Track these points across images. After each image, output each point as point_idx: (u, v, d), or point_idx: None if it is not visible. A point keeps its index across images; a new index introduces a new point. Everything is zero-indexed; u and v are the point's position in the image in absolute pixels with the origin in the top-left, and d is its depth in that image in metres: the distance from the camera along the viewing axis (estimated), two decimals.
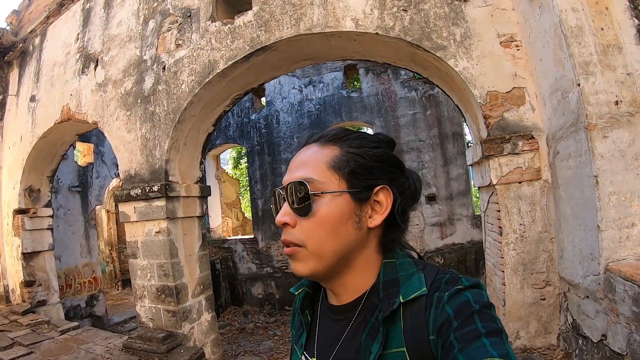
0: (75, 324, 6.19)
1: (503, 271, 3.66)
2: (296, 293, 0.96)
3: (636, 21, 2.69)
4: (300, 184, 0.76)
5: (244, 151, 16.69)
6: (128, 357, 4.82)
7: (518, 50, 3.68)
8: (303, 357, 0.87)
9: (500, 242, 3.69)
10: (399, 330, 0.70)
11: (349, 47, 4.55)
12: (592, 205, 2.75)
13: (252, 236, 11.80)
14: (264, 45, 4.38)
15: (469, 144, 12.03)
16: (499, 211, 3.71)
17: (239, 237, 13.05)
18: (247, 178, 13.06)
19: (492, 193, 3.86)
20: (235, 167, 19.27)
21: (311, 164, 0.78)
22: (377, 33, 4.01)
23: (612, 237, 2.65)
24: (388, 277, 0.77)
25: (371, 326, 0.74)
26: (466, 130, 11.77)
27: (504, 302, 3.62)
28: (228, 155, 19.65)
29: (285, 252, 0.79)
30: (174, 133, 5.05)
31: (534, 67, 3.56)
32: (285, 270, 11.05)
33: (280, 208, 0.81)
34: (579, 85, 2.75)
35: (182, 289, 5.13)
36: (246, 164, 16.57)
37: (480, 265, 9.82)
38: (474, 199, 11.12)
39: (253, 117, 11.92)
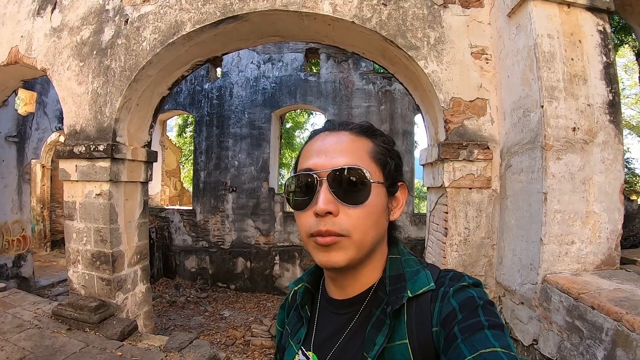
0: (2, 285, 5.62)
1: None
2: (295, 288, 0.92)
3: (604, 58, 2.80)
4: (356, 171, 0.71)
5: (191, 120, 15.99)
6: (57, 325, 4.47)
7: (487, 63, 3.74)
8: (300, 352, 0.84)
9: (444, 243, 3.79)
10: (403, 323, 0.71)
11: (321, 30, 4.39)
12: (538, 219, 2.87)
13: (191, 208, 11.36)
14: (236, 14, 4.08)
15: (416, 144, 12.34)
16: (447, 213, 3.80)
17: (177, 207, 12.53)
18: (192, 148, 12.55)
19: (442, 195, 3.94)
20: (180, 135, 18.38)
21: (354, 152, 0.74)
22: (353, 22, 3.90)
23: (552, 251, 2.79)
24: (394, 272, 0.77)
25: (376, 319, 0.73)
26: (416, 130, 12.05)
27: None
28: (174, 122, 18.72)
29: (323, 243, 0.70)
30: (128, 92, 4.64)
31: (499, 82, 3.63)
32: (221, 246, 10.79)
33: (310, 195, 0.73)
34: (542, 107, 2.83)
35: (119, 256, 4.82)
36: (191, 134, 15.92)
37: None
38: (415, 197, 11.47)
39: (206, 86, 11.33)
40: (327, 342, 0.80)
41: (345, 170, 0.70)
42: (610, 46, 2.80)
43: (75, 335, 4.25)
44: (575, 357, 2.33)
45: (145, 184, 5.36)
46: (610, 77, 2.77)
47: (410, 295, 0.71)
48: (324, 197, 0.70)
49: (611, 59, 2.78)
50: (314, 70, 11.61)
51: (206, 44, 4.61)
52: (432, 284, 0.72)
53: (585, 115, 2.78)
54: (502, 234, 3.55)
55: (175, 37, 4.32)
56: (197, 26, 4.21)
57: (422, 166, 4.71)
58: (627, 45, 7.88)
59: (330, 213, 0.69)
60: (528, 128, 3.07)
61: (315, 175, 0.72)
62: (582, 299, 2.30)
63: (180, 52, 4.60)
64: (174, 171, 14.91)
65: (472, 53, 3.79)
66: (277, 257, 10.39)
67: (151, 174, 5.46)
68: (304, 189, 0.74)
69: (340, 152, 0.73)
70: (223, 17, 4.10)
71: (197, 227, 11.02)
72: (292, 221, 10.37)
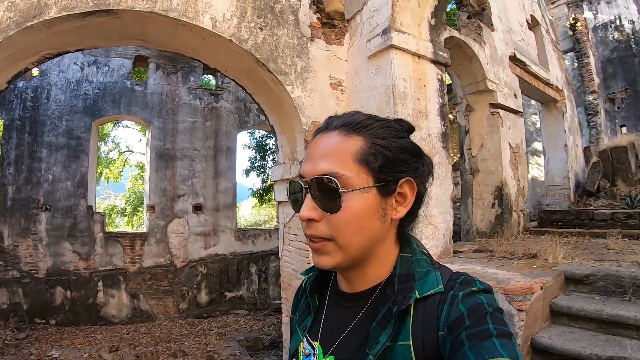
0: None
1: None
2: (306, 276, 0.94)
3: (440, 100, 3.72)
4: (328, 180, 0.70)
5: None
6: None
7: (342, 93, 4.37)
8: (305, 340, 0.85)
9: (308, 251, 4.19)
10: (408, 324, 0.70)
11: (191, 42, 4.25)
12: None
13: None
14: (110, 8, 3.60)
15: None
16: None
17: None
18: None
19: None
20: None
21: (336, 156, 0.72)
22: (231, 40, 3.96)
23: None
24: (404, 270, 0.76)
25: (382, 317, 0.72)
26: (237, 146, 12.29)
27: None
28: None
29: (313, 247, 0.75)
30: None
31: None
32: (35, 275, 8.57)
33: (301, 200, 0.76)
34: None
35: None
36: None
37: (242, 276, 10.34)
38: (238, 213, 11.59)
39: (21, 84, 8.93)
40: (332, 333, 0.79)
41: (322, 179, 0.71)
42: (444, 91, 3.76)
43: None
44: None
45: None
46: (443, 114, 3.71)
47: (418, 296, 0.70)
48: (306, 205, 0.73)
49: (445, 101, 3.73)
50: (139, 79, 10.65)
51: (65, 35, 3.85)
52: (441, 286, 0.71)
53: (427, 142, 3.63)
54: None
55: (35, 21, 3.48)
56: (64, 13, 3.52)
57: (274, 182, 5.04)
58: None
59: (313, 219, 0.72)
60: None
61: (301, 183, 0.76)
62: None
63: (35, 39, 3.70)
64: None
65: (331, 84, 4.37)
66: (100, 283, 8.86)
67: None
68: (297, 194, 0.79)
69: (324, 157, 0.73)
70: (95, 9, 3.57)
71: (6, 253, 8.40)
72: (114, 242, 9.14)
